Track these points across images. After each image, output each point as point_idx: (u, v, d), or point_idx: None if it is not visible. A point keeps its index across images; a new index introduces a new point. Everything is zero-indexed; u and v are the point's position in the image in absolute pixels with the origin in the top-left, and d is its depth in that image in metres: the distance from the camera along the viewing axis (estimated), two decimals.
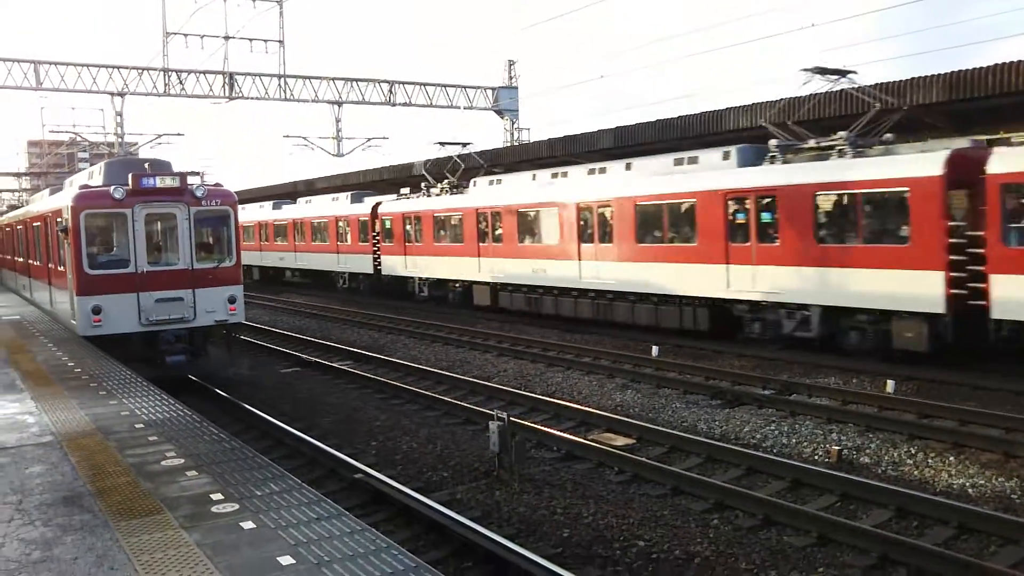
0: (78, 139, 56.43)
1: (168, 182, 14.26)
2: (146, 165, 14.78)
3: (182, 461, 6.28)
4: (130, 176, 13.92)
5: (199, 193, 14.47)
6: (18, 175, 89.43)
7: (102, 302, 13.63)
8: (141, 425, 7.53)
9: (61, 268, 15.25)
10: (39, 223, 18.19)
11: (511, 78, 40.44)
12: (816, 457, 9.66)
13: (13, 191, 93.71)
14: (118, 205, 13.71)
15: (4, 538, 4.73)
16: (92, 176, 15.92)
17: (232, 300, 14.45)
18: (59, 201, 15.71)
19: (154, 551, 4.50)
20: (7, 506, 5.31)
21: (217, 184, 15.43)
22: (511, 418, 9.24)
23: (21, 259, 22.46)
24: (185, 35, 31.10)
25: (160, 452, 6.57)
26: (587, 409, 11.79)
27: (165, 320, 13.87)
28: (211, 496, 5.40)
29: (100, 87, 33.07)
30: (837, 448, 9.61)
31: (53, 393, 9.20)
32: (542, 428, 10.75)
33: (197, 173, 18.25)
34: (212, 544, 4.57)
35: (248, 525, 4.85)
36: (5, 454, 6.62)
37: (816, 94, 17.17)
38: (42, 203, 20.15)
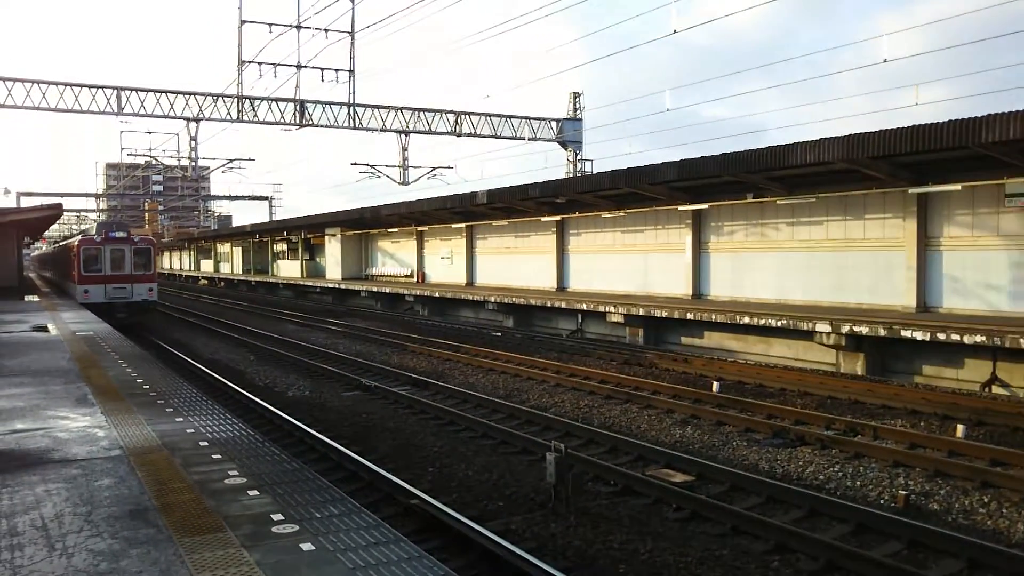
0: (153, 163, 58.28)
1: (121, 235, 29.06)
2: (115, 226, 30.06)
3: (244, 480, 6.37)
4: (104, 232, 28.85)
5: (136, 239, 29.49)
6: (97, 196, 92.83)
7: (88, 287, 28.06)
8: (205, 443, 7.67)
9: (73, 272, 29.39)
10: (71, 250, 31.58)
11: (576, 110, 40.68)
12: (882, 501, 9.39)
13: (91, 211, 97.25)
14: (97, 245, 28.30)
15: (74, 548, 4.85)
16: (93, 230, 31.22)
17: (150, 289, 29.06)
18: (74, 241, 31.67)
19: (216, 568, 4.56)
20: (78, 517, 5.45)
21: (145, 235, 35.10)
22: (568, 450, 9.18)
23: (63, 268, 37.63)
24: (259, 64, 32.06)
25: (223, 470, 6.67)
26: (645, 444, 11.66)
27: (117, 297, 28.25)
28: (272, 516, 5.47)
29: (177, 113, 34.25)
30: (904, 493, 9.32)
31: (122, 408, 9.45)
32: (599, 461, 10.66)
33: (132, 227, 37.90)
34: (272, 564, 4.62)
35: (307, 547, 4.89)
36: (77, 466, 6.81)
37: (886, 129, 16.94)
38: (71, 241, 36.68)
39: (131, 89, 33.73)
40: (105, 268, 28.37)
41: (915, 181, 18.89)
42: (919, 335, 16.22)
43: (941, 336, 15.85)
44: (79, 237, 31.53)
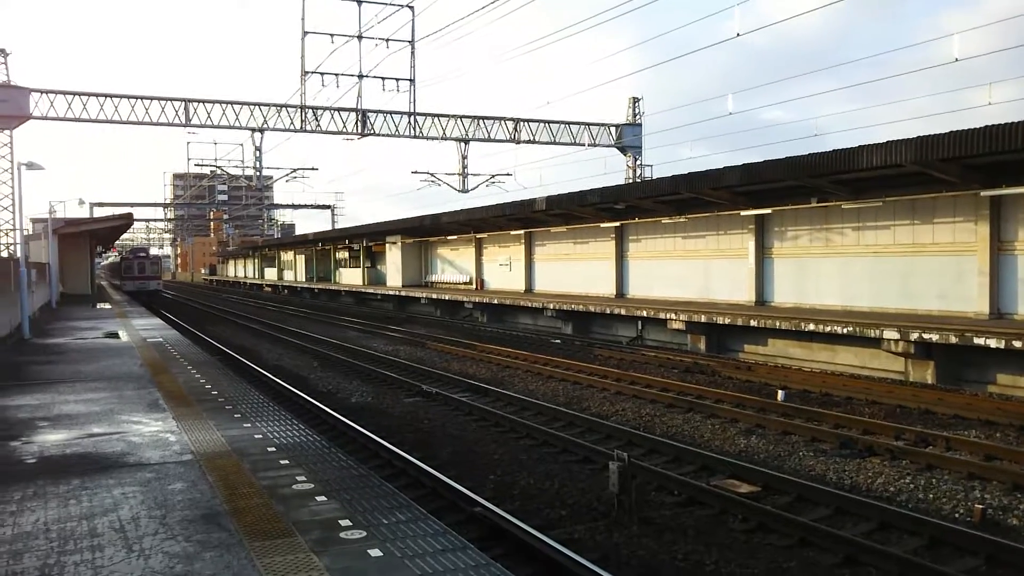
0: (219, 172, 59.61)
1: (143, 254, 61.36)
2: (139, 249, 68.83)
3: (312, 486, 6.47)
4: (134, 252, 62.78)
5: (151, 256, 61.70)
6: (164, 206, 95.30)
7: (126, 282, 57.29)
8: (273, 449, 7.82)
9: (120, 273, 63.56)
10: (122, 260, 63.90)
11: (635, 115, 40.47)
12: (957, 515, 9.11)
13: (160, 220, 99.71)
14: (131, 259, 59.24)
15: (151, 550, 4.98)
16: (129, 251, 67.74)
17: (158, 283, 59.10)
18: (121, 256, 74.77)
19: (286, 573, 4.64)
20: (153, 519, 5.60)
21: (156, 253, 77.38)
22: (631, 459, 9.10)
23: (116, 272, 69.99)
24: (322, 74, 32.60)
25: (291, 476, 6.79)
26: (709, 454, 11.51)
27: (141, 287, 55.08)
28: (339, 522, 5.54)
29: (242, 123, 35.00)
30: (981, 507, 9.03)
31: (192, 414, 9.68)
32: (663, 471, 10.55)
33: (149, 248, 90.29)
34: (341, 569, 4.68)
35: (375, 553, 4.94)
36: (151, 470, 7.00)
37: (957, 131, 16.48)
38: (121, 254, 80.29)
39: (198, 101, 34.61)
40: (134, 271, 56.02)
41: (987, 183, 18.33)
42: (993, 343, 15.71)
43: (1017, 344, 15.33)
44: (124, 255, 62.02)
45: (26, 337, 19.74)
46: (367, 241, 56.04)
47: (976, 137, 16.17)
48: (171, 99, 34.28)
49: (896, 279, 21.47)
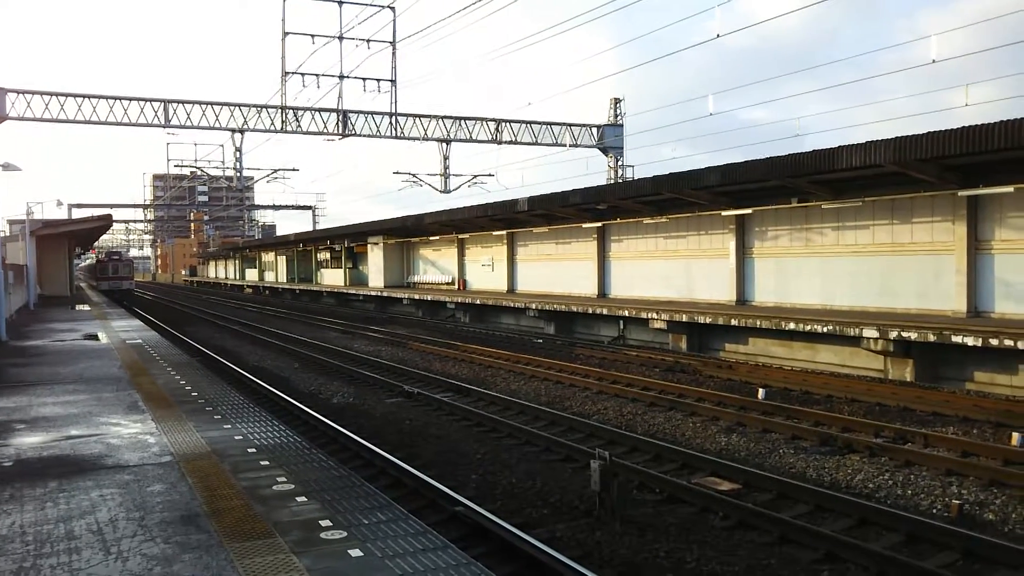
0: (199, 173, 59.26)
1: (116, 257, 65.61)
2: (113, 252, 69.85)
3: (292, 486, 6.44)
4: (108, 255, 66.78)
5: (123, 258, 66.43)
6: (144, 207, 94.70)
7: (101, 282, 60.69)
8: (253, 450, 7.77)
9: (96, 274, 68.28)
10: (98, 262, 69.66)
11: (616, 115, 40.57)
12: (934, 511, 9.19)
13: (140, 221, 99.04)
14: (105, 262, 63.33)
15: (129, 552, 4.94)
16: (104, 254, 70.57)
17: (130, 283, 62.13)
18: (97, 259, 75.51)
19: (266, 574, 4.61)
20: (131, 522, 5.56)
21: (130, 256, 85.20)
22: (612, 457, 9.12)
23: (94, 272, 73.30)
24: (302, 75, 32.45)
25: (271, 477, 6.76)
26: (690, 452, 11.56)
27: (114, 286, 58.18)
28: (320, 522, 5.52)
29: (222, 124, 34.80)
30: (957, 502, 9.12)
31: (171, 415, 9.61)
32: (644, 469, 10.58)
33: (121, 251, 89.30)
34: (321, 570, 4.66)
35: (356, 553, 4.93)
36: (129, 472, 6.94)
37: (935, 131, 16.64)
38: (97, 256, 78.39)
39: (177, 102, 34.37)
40: (109, 272, 60.28)
41: (964, 183, 18.52)
42: (970, 340, 15.87)
43: (993, 342, 15.49)
44: (99, 257, 68.10)
45: (3, 339, 19.54)
46: (349, 242, 55.87)
47: (953, 138, 16.33)
48: (150, 100, 34.04)
49: (876, 278, 21.64)
